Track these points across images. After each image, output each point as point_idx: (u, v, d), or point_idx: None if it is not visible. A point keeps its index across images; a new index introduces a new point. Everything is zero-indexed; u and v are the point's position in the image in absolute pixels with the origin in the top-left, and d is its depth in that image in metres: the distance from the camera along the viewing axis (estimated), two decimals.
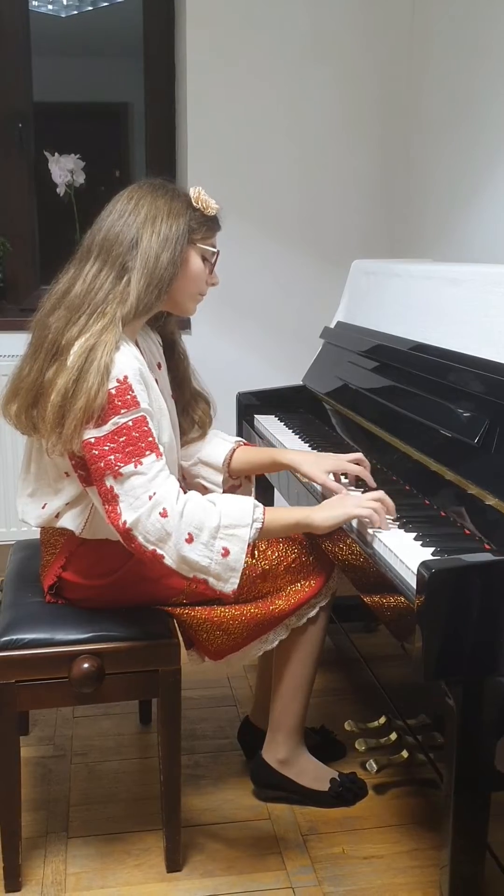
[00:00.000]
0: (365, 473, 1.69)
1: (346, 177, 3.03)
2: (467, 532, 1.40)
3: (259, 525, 1.50)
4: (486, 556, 1.24)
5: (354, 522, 1.53)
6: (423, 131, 2.89)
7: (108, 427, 1.44)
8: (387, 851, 1.73)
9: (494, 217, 2.44)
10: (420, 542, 1.37)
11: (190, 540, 1.44)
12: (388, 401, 1.86)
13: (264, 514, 1.51)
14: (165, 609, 1.69)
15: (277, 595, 1.71)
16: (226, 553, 1.46)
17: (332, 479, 1.69)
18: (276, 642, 1.73)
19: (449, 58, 2.70)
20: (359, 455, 1.73)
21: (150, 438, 1.47)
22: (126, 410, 1.45)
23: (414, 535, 1.41)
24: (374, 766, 1.82)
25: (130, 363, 1.47)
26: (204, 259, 1.62)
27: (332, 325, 2.49)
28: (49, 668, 1.58)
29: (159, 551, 1.44)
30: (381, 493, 1.52)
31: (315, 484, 1.73)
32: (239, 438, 1.91)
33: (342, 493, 1.61)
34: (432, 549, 1.33)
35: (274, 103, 2.93)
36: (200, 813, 1.84)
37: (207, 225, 1.61)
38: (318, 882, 1.65)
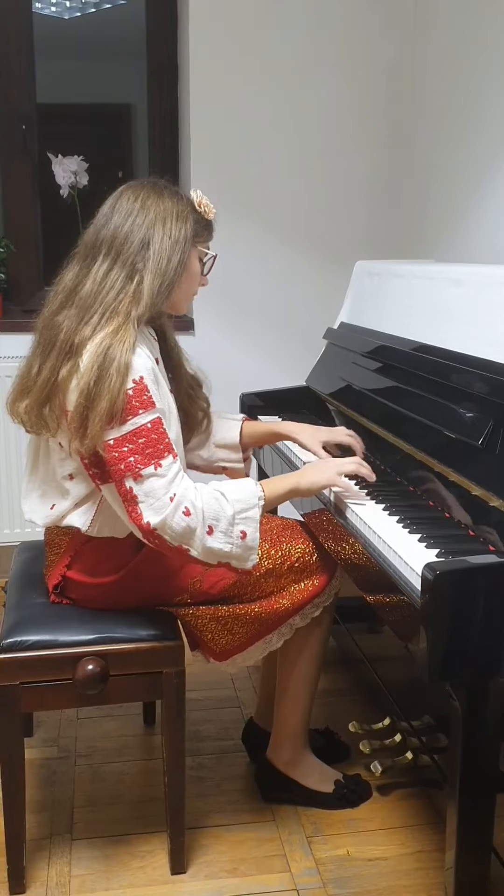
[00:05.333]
0: (356, 445, 1.83)
1: (350, 177, 3.03)
2: (472, 533, 1.40)
3: (262, 502, 1.58)
4: (491, 558, 1.24)
5: (355, 521, 1.54)
6: (427, 132, 2.88)
7: (126, 428, 1.46)
8: (391, 853, 1.73)
9: (497, 218, 2.44)
10: (424, 544, 1.37)
11: (210, 531, 1.50)
12: (391, 402, 1.86)
13: (264, 491, 1.59)
14: (170, 610, 1.69)
15: (281, 594, 1.71)
16: (243, 535, 1.53)
17: (324, 450, 1.83)
18: (281, 643, 1.74)
19: (452, 58, 2.69)
20: (351, 431, 1.87)
21: (167, 440, 1.50)
22: (143, 411, 1.47)
23: (418, 536, 1.41)
24: (379, 767, 1.82)
25: (144, 363, 1.50)
26: (199, 260, 1.66)
27: (336, 326, 2.48)
28: (53, 669, 1.58)
29: (184, 546, 1.50)
30: (356, 458, 1.70)
31: (307, 453, 1.88)
32: (241, 414, 2.03)
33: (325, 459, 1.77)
34: (437, 551, 1.33)
35: (277, 104, 2.93)
36: (205, 815, 1.84)
37: (207, 229, 1.66)
38: (322, 884, 1.65)
